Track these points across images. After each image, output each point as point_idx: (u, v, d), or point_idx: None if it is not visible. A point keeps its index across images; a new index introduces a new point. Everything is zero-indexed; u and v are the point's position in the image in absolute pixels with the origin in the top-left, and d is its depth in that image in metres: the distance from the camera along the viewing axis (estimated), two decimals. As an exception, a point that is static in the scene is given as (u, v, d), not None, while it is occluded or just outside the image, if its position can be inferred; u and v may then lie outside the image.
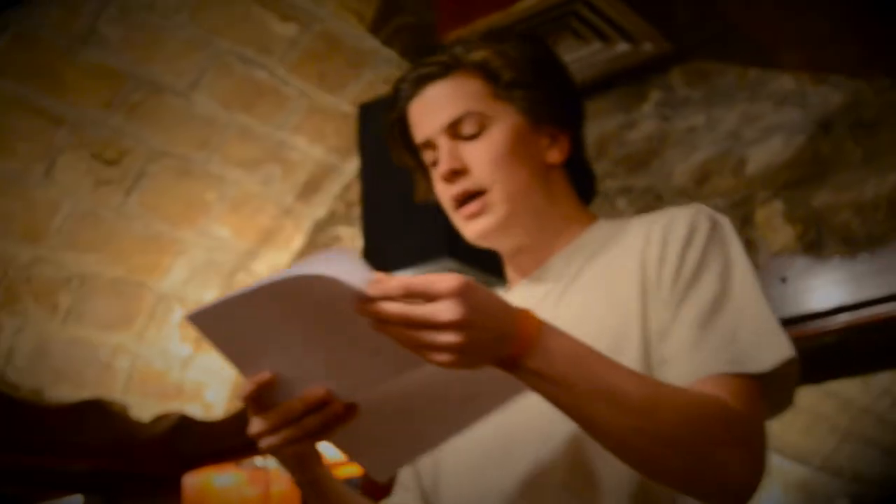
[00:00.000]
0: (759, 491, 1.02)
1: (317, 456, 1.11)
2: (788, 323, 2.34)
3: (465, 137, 1.19)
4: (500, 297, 0.94)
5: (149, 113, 2.90)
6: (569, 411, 0.96)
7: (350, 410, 0.99)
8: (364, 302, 0.90)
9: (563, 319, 1.04)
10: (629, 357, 1.06)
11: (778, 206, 2.46)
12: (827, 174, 2.41)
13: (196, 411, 3.34)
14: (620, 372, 0.97)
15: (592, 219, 1.26)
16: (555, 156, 1.23)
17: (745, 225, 2.48)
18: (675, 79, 2.68)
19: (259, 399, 0.99)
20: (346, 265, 0.92)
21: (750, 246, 2.46)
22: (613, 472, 1.05)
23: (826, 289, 2.32)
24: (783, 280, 2.37)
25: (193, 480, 3.35)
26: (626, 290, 1.12)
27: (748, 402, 1.02)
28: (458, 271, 1.33)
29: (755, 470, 1.01)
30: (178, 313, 3.26)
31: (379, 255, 2.82)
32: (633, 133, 2.73)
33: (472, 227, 1.19)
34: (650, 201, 2.64)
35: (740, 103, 2.57)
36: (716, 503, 1.04)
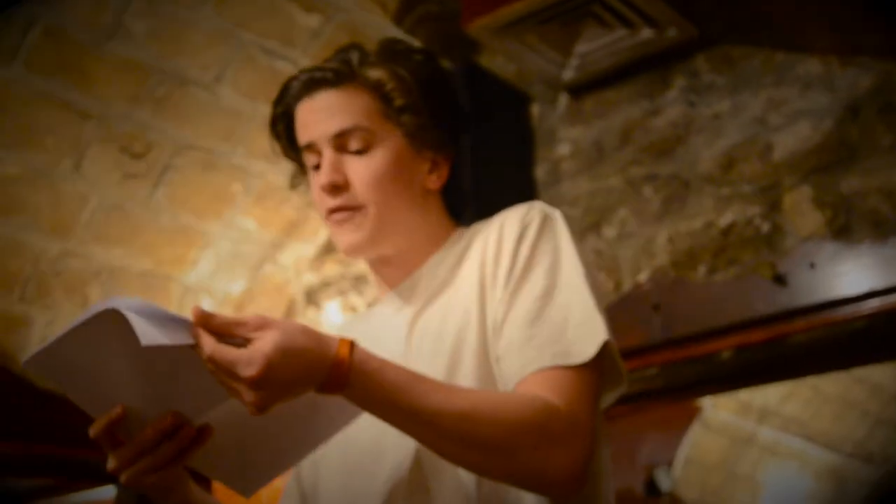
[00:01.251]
0: (584, 480, 1.06)
1: (183, 479, 1.12)
2: (818, 309, 2.33)
3: (350, 151, 1.20)
4: (312, 338, 0.97)
5: (174, 106, 2.92)
6: (398, 428, 1.02)
7: (204, 432, 1.02)
8: (197, 340, 0.94)
9: (418, 334, 1.12)
10: (469, 360, 1.11)
11: (806, 191, 2.43)
12: (855, 159, 2.38)
13: (225, 402, 3.36)
14: (438, 391, 1.01)
15: (453, 229, 1.28)
16: (433, 182, 1.25)
17: (772, 211, 2.46)
18: (700, 64, 2.66)
19: (112, 435, 1.02)
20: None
21: (778, 231, 2.44)
22: (445, 487, 1.10)
23: (855, 274, 2.30)
24: (812, 266, 2.35)
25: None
26: (467, 294, 1.15)
27: (573, 393, 1.05)
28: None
29: (577, 462, 1.04)
30: (206, 305, 3.28)
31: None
32: (658, 120, 2.71)
33: (341, 238, 1.21)
34: (677, 188, 2.63)
35: (766, 88, 2.55)
36: (548, 494, 1.09)
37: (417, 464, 1.11)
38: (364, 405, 1.00)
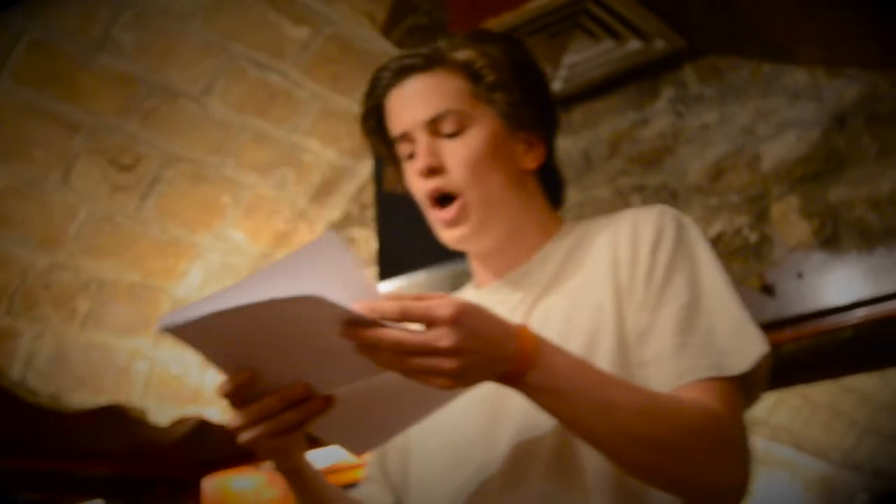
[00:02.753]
0: (747, 493, 1.05)
1: (299, 445, 1.11)
2: (805, 318, 2.34)
3: (444, 135, 1.19)
4: (497, 318, 0.96)
5: (163, 118, 2.91)
6: (568, 423, 0.99)
7: (327, 402, 1.01)
8: (352, 327, 0.91)
9: (538, 324, 1.07)
10: (604, 359, 1.09)
11: (793, 201, 2.45)
12: (842, 168, 2.40)
13: (214, 415, 3.35)
14: (617, 384, 1.00)
15: (560, 223, 1.27)
16: (530, 162, 1.23)
17: (760, 221, 2.47)
18: (688, 75, 2.68)
19: (238, 395, 1.01)
20: (336, 270, 0.93)
21: (766, 241, 2.45)
22: (595, 463, 1.06)
23: (843, 283, 2.31)
24: (799, 275, 2.36)
25: (212, 483, 3.36)
26: (598, 293, 1.13)
27: (730, 403, 1.04)
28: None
29: (743, 472, 1.03)
30: (195, 317, 3.28)
31: (393, 257, 2.83)
32: (646, 130, 2.72)
33: (450, 234, 1.20)
34: (665, 199, 2.64)
35: (754, 99, 2.56)
36: (706, 503, 1.06)
37: (560, 444, 1.07)
38: (539, 394, 0.97)
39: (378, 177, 2.94)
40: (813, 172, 2.44)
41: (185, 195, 3.08)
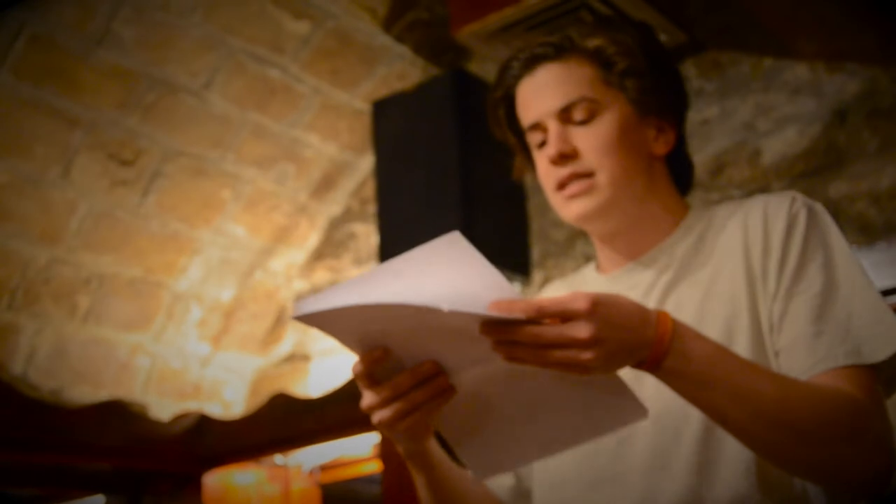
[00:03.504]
0: (890, 482, 1.04)
1: (426, 428, 1.10)
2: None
3: (575, 122, 1.19)
4: (633, 305, 0.96)
5: (163, 113, 2.91)
6: (706, 409, 0.99)
7: (451, 388, 1.00)
8: (489, 326, 0.91)
9: (671, 312, 1.04)
10: (741, 347, 1.08)
11: (794, 196, 2.44)
12: (843, 164, 2.40)
13: (215, 410, 3.35)
14: (754, 370, 0.99)
15: (687, 208, 1.27)
16: (660, 147, 1.24)
17: (761, 216, 2.47)
18: (689, 70, 2.67)
19: (371, 375, 1.01)
20: (467, 269, 0.92)
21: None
22: (739, 454, 1.06)
23: (844, 278, 2.30)
24: (800, 270, 2.36)
25: (214, 479, 3.36)
26: (731, 281, 1.13)
27: (869, 391, 1.03)
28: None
29: (885, 460, 1.02)
30: (196, 312, 3.28)
31: (394, 252, 2.83)
32: (647, 125, 2.72)
33: (574, 207, 1.19)
34: (665, 193, 2.64)
35: (754, 94, 2.56)
36: (848, 492, 1.06)
37: (696, 445, 1.07)
38: (677, 380, 0.96)
39: (379, 171, 2.94)
40: (813, 167, 2.44)
41: (186, 190, 3.08)
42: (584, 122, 1.19)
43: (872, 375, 1.05)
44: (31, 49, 2.65)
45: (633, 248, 1.22)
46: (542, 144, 1.21)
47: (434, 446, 1.15)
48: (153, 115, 2.90)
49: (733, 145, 2.57)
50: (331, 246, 3.33)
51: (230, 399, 3.42)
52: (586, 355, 0.91)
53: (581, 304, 0.91)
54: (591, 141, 1.18)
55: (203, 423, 3.27)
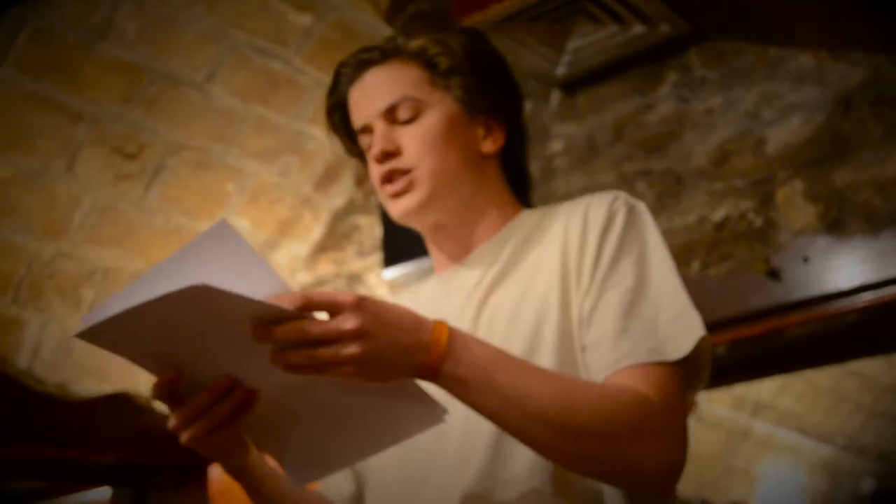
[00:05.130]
0: (678, 478, 1.04)
1: (242, 444, 1.11)
2: (811, 303, 2.34)
3: (400, 122, 1.21)
4: (405, 308, 0.96)
5: (166, 106, 2.91)
6: (487, 414, 0.99)
7: (251, 395, 0.99)
8: (258, 326, 0.91)
9: (491, 311, 1.08)
10: (549, 343, 1.09)
11: (798, 185, 2.44)
12: (848, 152, 2.39)
13: (220, 402, 3.36)
14: (534, 372, 1.00)
15: (520, 209, 1.28)
16: (489, 146, 1.25)
17: (765, 205, 2.47)
18: (693, 60, 2.67)
19: (172, 395, 1.01)
20: (236, 260, 0.92)
21: (771, 226, 2.45)
22: (531, 460, 1.07)
23: (849, 268, 2.30)
24: (805, 260, 2.36)
25: (218, 471, 3.37)
26: (548, 277, 1.14)
27: (668, 389, 1.04)
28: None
29: (672, 459, 1.03)
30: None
31: (397, 244, 2.83)
32: (650, 115, 2.71)
33: (397, 205, 1.21)
34: (670, 184, 2.63)
35: (759, 83, 2.55)
36: (637, 491, 1.07)
37: (489, 460, 1.08)
38: (460, 386, 0.97)
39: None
40: (818, 156, 2.43)
41: (189, 183, 3.08)
42: (408, 122, 1.21)
43: (675, 373, 1.05)
44: (33, 43, 2.65)
45: (461, 248, 1.24)
46: (371, 147, 1.23)
47: (258, 460, 1.14)
48: (156, 108, 2.90)
49: (737, 134, 2.56)
50: (334, 238, 3.33)
51: (235, 392, 3.42)
52: (352, 349, 0.90)
53: (347, 297, 0.91)
54: (414, 138, 1.20)
55: (208, 416, 3.27)
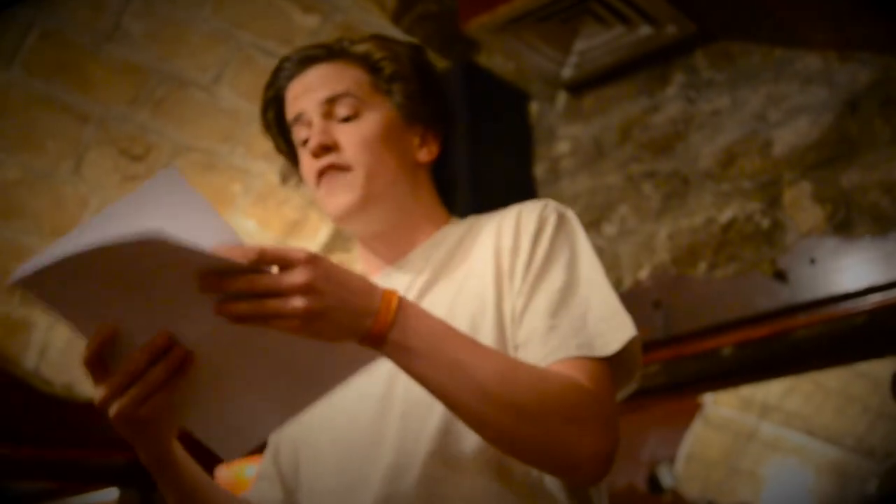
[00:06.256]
0: (608, 470, 1.05)
1: (167, 427, 1.06)
2: (818, 304, 2.33)
3: (339, 119, 1.21)
4: (360, 275, 0.97)
5: (173, 108, 2.91)
6: (429, 385, 0.99)
7: (189, 355, 0.96)
8: (206, 277, 0.89)
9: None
10: (486, 337, 1.11)
11: (806, 186, 2.44)
12: (855, 153, 2.38)
13: (227, 403, 3.36)
14: (479, 348, 1.01)
15: (449, 218, 1.29)
16: (423, 155, 1.26)
17: (772, 206, 2.46)
18: (699, 61, 2.66)
19: (101, 363, 0.96)
20: (186, 210, 0.90)
21: (778, 227, 2.44)
22: (479, 447, 1.08)
23: (856, 269, 2.30)
24: (812, 261, 2.35)
25: (225, 471, 3.38)
26: (481, 279, 1.16)
27: (598, 383, 1.05)
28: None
29: (606, 448, 1.04)
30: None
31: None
32: (657, 117, 2.71)
33: (333, 202, 1.21)
34: (676, 185, 2.63)
35: (765, 84, 2.55)
36: (568, 478, 1.08)
37: (437, 441, 1.09)
38: (404, 354, 0.97)
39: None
40: (825, 158, 2.43)
41: (196, 184, 3.06)
42: (347, 119, 1.21)
43: (604, 369, 1.07)
44: (41, 45, 2.65)
45: (392, 253, 1.25)
46: (307, 141, 1.23)
47: (178, 449, 1.11)
48: (163, 109, 2.90)
49: (744, 136, 2.56)
50: (341, 239, 3.33)
51: (242, 393, 3.43)
52: (299, 302, 0.90)
53: (299, 253, 0.91)
54: (353, 136, 1.20)
55: (215, 417, 3.28)
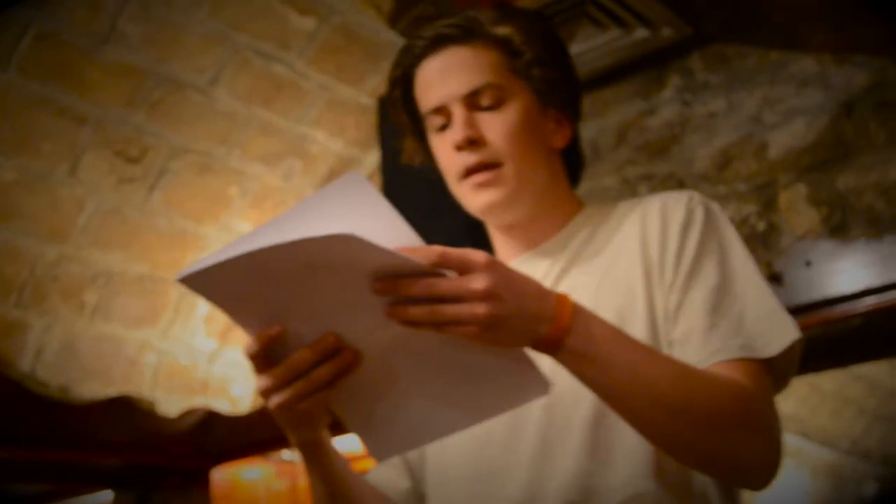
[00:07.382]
0: (777, 474, 1.04)
1: (323, 415, 1.05)
2: (814, 307, 2.33)
3: (481, 108, 1.18)
4: (532, 278, 0.94)
5: (170, 110, 2.91)
6: (605, 393, 0.97)
7: (357, 356, 0.95)
8: (385, 280, 0.87)
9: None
10: (638, 335, 1.07)
11: (801, 189, 2.44)
12: (850, 156, 2.39)
13: (223, 406, 3.36)
14: (653, 354, 0.99)
15: (581, 203, 1.27)
16: (558, 141, 1.24)
17: (768, 209, 2.47)
18: (695, 63, 2.67)
19: (265, 355, 0.95)
20: (366, 212, 0.88)
21: (774, 230, 2.45)
22: (630, 443, 1.05)
23: (852, 272, 2.30)
24: (808, 264, 2.35)
25: (222, 474, 3.37)
26: (627, 271, 1.13)
27: (760, 385, 1.03)
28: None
29: (774, 452, 1.02)
30: (203, 308, 3.28)
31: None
32: (653, 119, 2.72)
33: (481, 198, 1.18)
34: (672, 188, 2.63)
35: (761, 87, 2.55)
36: (736, 484, 1.07)
37: (587, 433, 1.06)
38: (580, 361, 0.94)
39: (385, 167, 2.94)
40: (821, 160, 2.43)
41: (192, 187, 3.08)
42: (490, 109, 1.18)
43: (764, 370, 1.05)
44: (37, 47, 2.65)
45: (530, 240, 1.22)
46: (444, 128, 1.19)
47: (327, 436, 1.10)
48: (160, 112, 2.90)
49: (740, 138, 2.56)
50: (337, 242, 3.33)
51: (238, 395, 3.42)
52: (479, 308, 0.87)
53: (480, 257, 0.89)
54: (498, 129, 1.17)
55: (211, 419, 3.28)
